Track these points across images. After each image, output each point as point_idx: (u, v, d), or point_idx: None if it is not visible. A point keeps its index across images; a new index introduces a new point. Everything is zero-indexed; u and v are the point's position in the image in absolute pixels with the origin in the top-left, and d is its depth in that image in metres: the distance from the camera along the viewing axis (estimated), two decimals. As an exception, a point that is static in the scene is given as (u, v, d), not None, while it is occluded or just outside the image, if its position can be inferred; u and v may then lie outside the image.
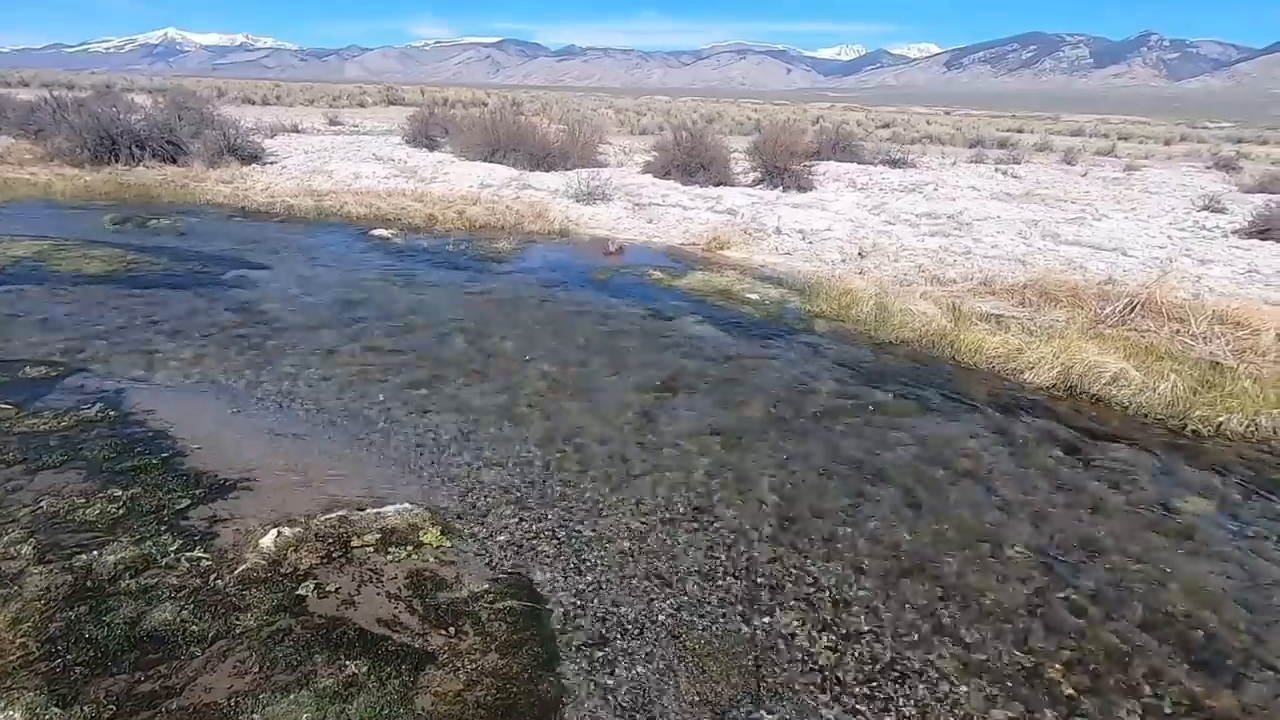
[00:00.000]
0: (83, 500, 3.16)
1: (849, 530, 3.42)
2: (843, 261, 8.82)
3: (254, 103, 34.68)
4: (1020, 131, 40.74)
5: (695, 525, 3.40)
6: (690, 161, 14.66)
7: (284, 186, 11.95)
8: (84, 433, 3.79)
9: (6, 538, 2.86)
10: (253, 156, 14.68)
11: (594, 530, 3.31)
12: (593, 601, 2.84)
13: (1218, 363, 5.49)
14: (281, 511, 3.22)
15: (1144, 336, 6.08)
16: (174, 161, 13.86)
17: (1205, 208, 13.48)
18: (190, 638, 2.43)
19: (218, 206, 10.86)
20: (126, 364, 4.78)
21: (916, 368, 5.65)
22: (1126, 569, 3.24)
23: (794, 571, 3.10)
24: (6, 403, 4.04)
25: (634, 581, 2.98)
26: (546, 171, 15.10)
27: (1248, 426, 4.68)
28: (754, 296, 7.33)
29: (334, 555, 2.94)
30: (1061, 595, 3.03)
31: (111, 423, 3.92)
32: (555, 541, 3.20)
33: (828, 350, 5.90)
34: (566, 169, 15.30)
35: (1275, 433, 4.66)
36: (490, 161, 15.60)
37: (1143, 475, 4.14)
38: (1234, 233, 10.95)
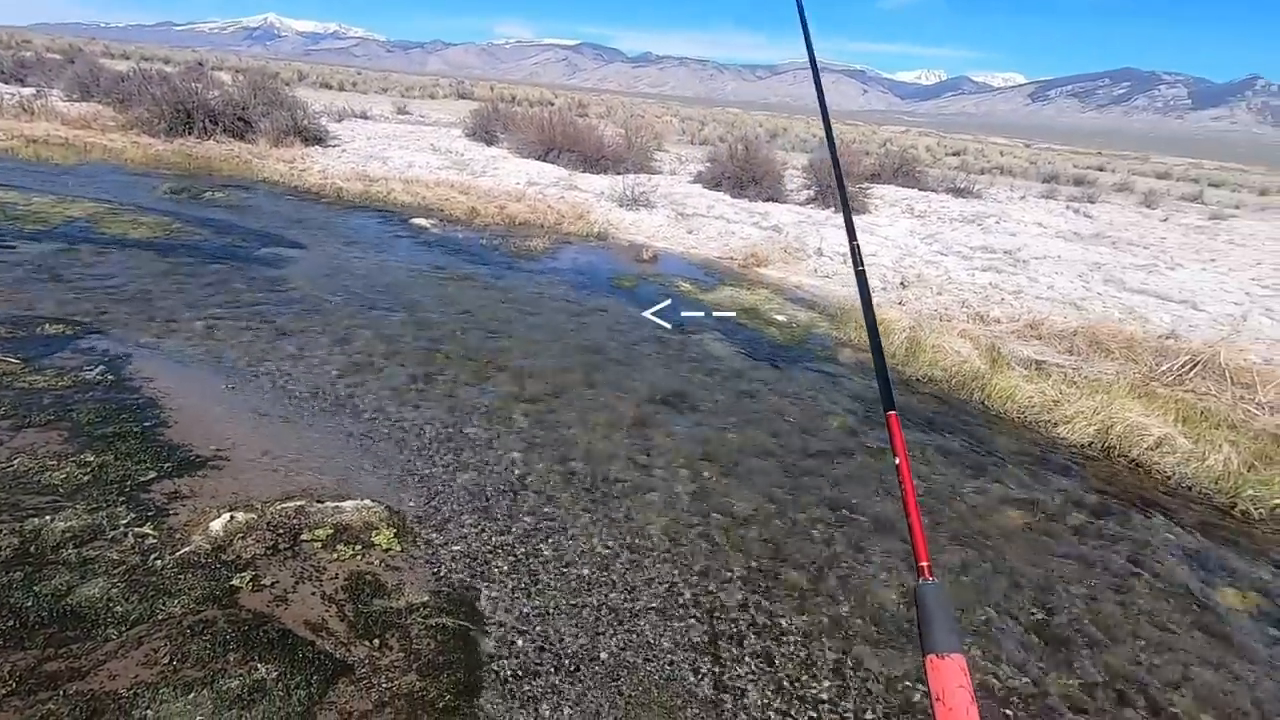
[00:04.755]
0: (54, 462, 3.17)
1: (832, 583, 3.16)
2: (883, 289, 8.45)
3: (331, 88, 35.97)
4: (1101, 170, 38.92)
5: (665, 556, 3.20)
6: (742, 174, 14.42)
7: (339, 170, 12.23)
8: (79, 394, 3.84)
9: (-31, 493, 2.88)
10: (316, 139, 15.13)
11: (554, 551, 3.14)
12: (536, 628, 2.67)
13: (1282, 437, 4.98)
14: (243, 495, 3.16)
15: (1201, 399, 5.58)
16: (242, 138, 14.39)
17: (1295, 265, 12.50)
18: (111, 619, 2.36)
19: (272, 184, 11.17)
20: (140, 330, 4.86)
21: (939, 410, 5.30)
22: (1137, 660, 2.89)
23: (760, 623, 2.87)
24: (15, 358, 4.13)
25: (584, 613, 2.80)
26: (597, 174, 15.09)
27: (1308, 513, 4.21)
28: (781, 318, 7.06)
29: (281, 547, 2.86)
30: (1068, 683, 2.72)
31: (108, 387, 3.97)
32: (512, 559, 3.05)
33: (847, 381, 5.60)
34: (618, 173, 15.26)
35: (1339, 523, 4.17)
36: (544, 161, 15.69)
37: (1173, 556, 3.74)
38: (1325, 295, 10.08)
